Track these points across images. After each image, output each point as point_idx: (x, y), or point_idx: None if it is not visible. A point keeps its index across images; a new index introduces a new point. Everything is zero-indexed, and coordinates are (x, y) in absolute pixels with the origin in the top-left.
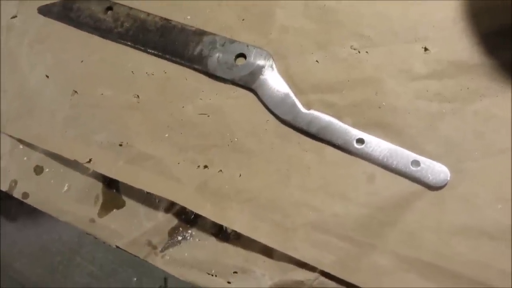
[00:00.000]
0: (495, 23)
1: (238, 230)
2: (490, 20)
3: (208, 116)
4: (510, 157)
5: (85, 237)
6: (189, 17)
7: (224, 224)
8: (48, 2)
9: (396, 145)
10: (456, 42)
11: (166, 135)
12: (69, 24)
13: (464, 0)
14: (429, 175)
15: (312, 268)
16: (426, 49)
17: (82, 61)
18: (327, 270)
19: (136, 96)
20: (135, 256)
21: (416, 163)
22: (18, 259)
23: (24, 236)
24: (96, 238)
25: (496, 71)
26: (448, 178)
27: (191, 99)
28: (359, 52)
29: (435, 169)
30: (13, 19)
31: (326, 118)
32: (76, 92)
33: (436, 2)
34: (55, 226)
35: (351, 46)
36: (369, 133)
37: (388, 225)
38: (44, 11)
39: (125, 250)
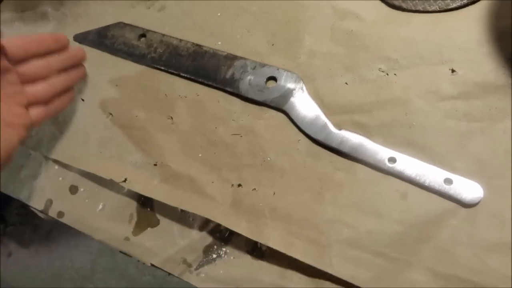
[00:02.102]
0: None
1: (274, 247)
2: None
3: (241, 136)
4: None
5: (98, 264)
6: (220, 42)
7: (260, 241)
8: (83, 30)
9: (428, 163)
10: (482, 64)
11: (200, 155)
12: (104, 51)
13: (487, 24)
14: (462, 193)
15: (347, 284)
16: (453, 70)
17: (116, 85)
18: (363, 286)
19: (169, 117)
20: (169, 273)
21: (449, 181)
22: (30, 285)
23: (36, 262)
24: (130, 256)
25: None
26: (482, 196)
27: (223, 120)
28: (387, 74)
29: (468, 187)
30: None
31: (357, 137)
32: (111, 114)
33: (459, 25)
34: (68, 253)
35: (379, 68)
36: (400, 152)
37: (423, 241)
38: (80, 38)
39: (160, 268)
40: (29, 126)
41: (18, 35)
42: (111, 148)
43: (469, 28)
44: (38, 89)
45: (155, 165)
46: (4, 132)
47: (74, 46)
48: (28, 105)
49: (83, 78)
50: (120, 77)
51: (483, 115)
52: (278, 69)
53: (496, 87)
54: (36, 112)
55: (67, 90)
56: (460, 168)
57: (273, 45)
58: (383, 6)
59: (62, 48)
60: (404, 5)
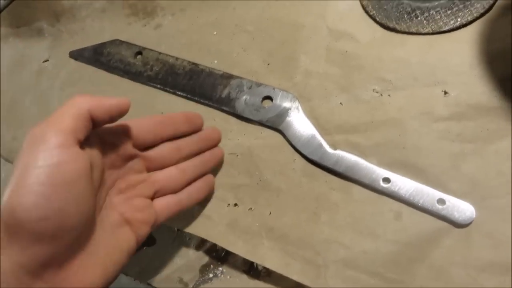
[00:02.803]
0: (510, 69)
1: (270, 267)
2: (505, 66)
3: (237, 155)
4: None
5: None
6: (216, 61)
7: (256, 261)
8: (79, 47)
9: (421, 183)
10: (474, 86)
11: None
12: (100, 68)
13: (478, 46)
14: (455, 213)
15: None
16: (445, 92)
17: None
18: None
19: None
20: None
21: (441, 201)
22: None
23: None
24: (126, 275)
25: None
26: (474, 216)
27: (223, 137)
28: (381, 95)
29: (461, 207)
30: (45, 62)
31: (352, 157)
32: None
33: (452, 47)
34: None
35: (373, 89)
36: (394, 172)
37: (416, 261)
38: (76, 55)
39: None
40: (153, 222)
41: (147, 116)
42: None
43: (461, 51)
44: (166, 176)
45: None
46: (120, 233)
47: (208, 128)
48: (154, 196)
49: (220, 162)
50: (116, 95)
51: (476, 137)
52: (274, 88)
53: (488, 109)
54: (163, 203)
55: (201, 176)
56: (453, 188)
57: (269, 64)
58: (377, 27)
59: (195, 129)
60: (398, 27)
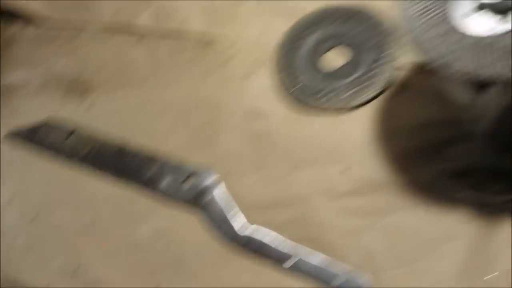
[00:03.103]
0: (404, 145)
1: None
2: (400, 143)
3: (159, 237)
4: (420, 266)
5: None
6: (144, 140)
7: None
8: (15, 127)
9: (325, 258)
10: (371, 162)
11: (120, 259)
12: (35, 149)
13: (377, 123)
14: (353, 286)
15: None
16: (346, 169)
17: (44, 185)
18: None
19: (92, 219)
20: None
21: (340, 276)
22: None
23: None
24: None
25: (406, 188)
26: None
27: (144, 220)
28: (291, 172)
29: (358, 280)
30: None
31: (263, 236)
32: (36, 216)
33: (355, 124)
34: None
35: (283, 167)
36: (301, 248)
37: None
38: (10, 136)
39: None
40: None
41: None
42: (34, 253)
43: (362, 127)
44: None
45: (75, 271)
46: None
47: None
48: None
49: None
50: (48, 177)
51: (372, 211)
52: (195, 168)
53: (384, 184)
54: None
55: None
56: (353, 261)
57: (192, 144)
58: (292, 105)
59: None
60: (310, 105)
